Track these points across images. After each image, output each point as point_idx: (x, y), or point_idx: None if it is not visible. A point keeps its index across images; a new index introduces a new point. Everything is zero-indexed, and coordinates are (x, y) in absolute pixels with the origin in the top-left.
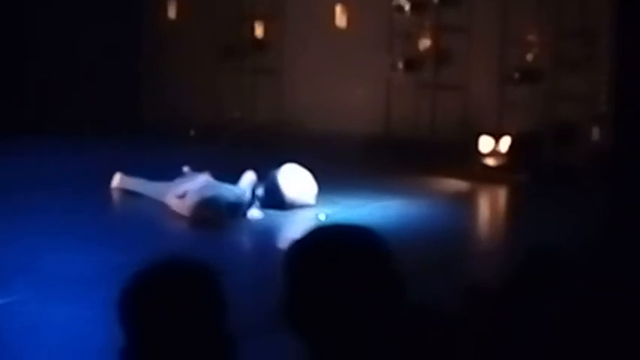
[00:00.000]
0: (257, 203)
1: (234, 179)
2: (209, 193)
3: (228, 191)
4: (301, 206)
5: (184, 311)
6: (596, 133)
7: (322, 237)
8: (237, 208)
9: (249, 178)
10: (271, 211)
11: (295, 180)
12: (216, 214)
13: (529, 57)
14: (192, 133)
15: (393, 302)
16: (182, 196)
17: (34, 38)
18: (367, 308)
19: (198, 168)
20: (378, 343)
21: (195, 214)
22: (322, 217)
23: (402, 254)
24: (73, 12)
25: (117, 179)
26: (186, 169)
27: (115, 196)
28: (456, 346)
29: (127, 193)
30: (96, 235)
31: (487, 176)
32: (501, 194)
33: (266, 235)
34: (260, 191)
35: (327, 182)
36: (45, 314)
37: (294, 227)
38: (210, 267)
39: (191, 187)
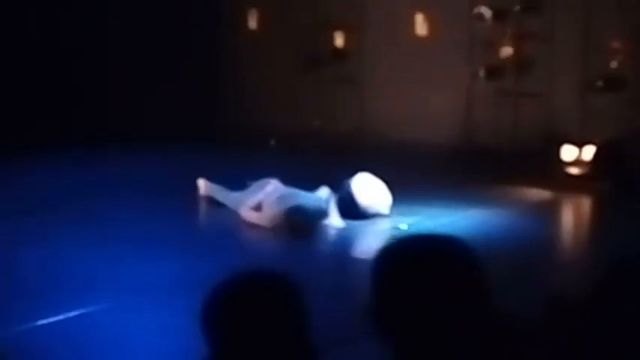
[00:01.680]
0: (337, 211)
1: (314, 188)
2: (291, 202)
3: (307, 199)
4: (375, 216)
5: (267, 321)
6: None
7: (410, 245)
8: (321, 216)
9: (324, 191)
10: (347, 221)
11: (369, 189)
12: (302, 223)
13: (613, 64)
14: (272, 142)
15: (478, 311)
16: (257, 208)
17: (115, 48)
18: (453, 316)
19: (279, 177)
20: (463, 351)
21: (279, 223)
22: (404, 227)
23: (485, 263)
24: (152, 21)
25: (201, 186)
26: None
27: (198, 203)
28: (538, 355)
29: (209, 200)
30: (179, 243)
31: (570, 185)
32: (585, 203)
33: (346, 243)
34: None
35: (408, 191)
36: (127, 323)
37: (373, 236)
38: (293, 276)
39: (265, 198)
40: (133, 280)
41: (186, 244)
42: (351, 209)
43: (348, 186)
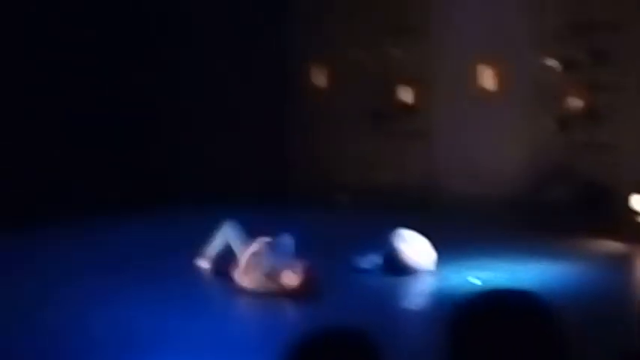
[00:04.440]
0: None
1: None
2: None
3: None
4: (422, 272)
5: None
6: None
7: (484, 301)
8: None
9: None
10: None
11: (414, 244)
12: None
13: None
14: (342, 198)
15: None
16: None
17: (187, 107)
18: None
19: (347, 233)
20: None
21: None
22: (477, 282)
23: (560, 317)
24: (223, 75)
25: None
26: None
27: None
28: None
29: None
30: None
31: None
32: None
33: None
34: (378, 258)
35: (480, 246)
36: None
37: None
38: (368, 333)
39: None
40: (207, 337)
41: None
42: (397, 265)
43: (393, 243)
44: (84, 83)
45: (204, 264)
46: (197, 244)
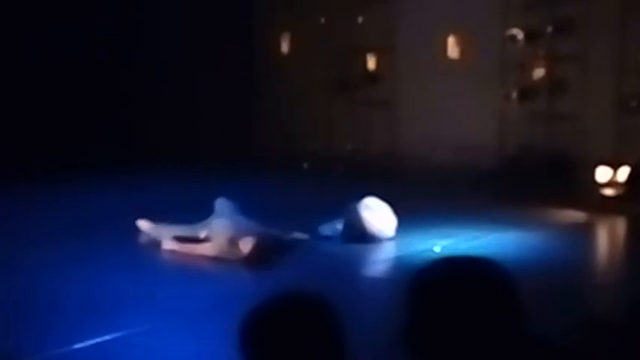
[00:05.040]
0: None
1: (339, 211)
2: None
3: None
4: (382, 239)
5: (304, 342)
6: None
7: (443, 268)
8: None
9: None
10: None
11: (375, 213)
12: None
13: None
14: (305, 165)
15: (512, 334)
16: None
17: (147, 73)
18: (487, 339)
19: (310, 200)
20: None
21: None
22: (438, 249)
23: (520, 285)
24: (187, 47)
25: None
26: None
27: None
28: None
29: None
30: (211, 267)
31: (605, 207)
32: (619, 225)
33: (361, 264)
34: (340, 225)
35: (441, 214)
36: (164, 346)
37: (383, 258)
38: (327, 298)
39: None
40: (171, 303)
41: (222, 267)
42: (357, 232)
43: (355, 210)
44: (58, 47)
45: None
46: (159, 209)
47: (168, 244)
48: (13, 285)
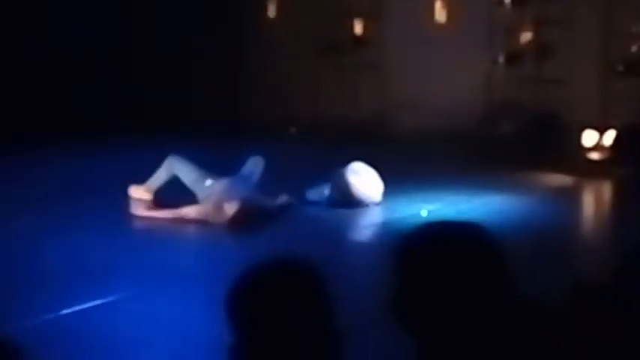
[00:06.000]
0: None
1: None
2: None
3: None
4: (369, 204)
5: (292, 308)
6: None
7: (430, 232)
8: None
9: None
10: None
11: (362, 178)
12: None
13: (633, 48)
14: (292, 130)
15: (500, 298)
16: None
17: (135, 37)
18: (475, 303)
19: (297, 165)
20: (485, 338)
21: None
22: (424, 214)
23: (506, 249)
24: (172, 12)
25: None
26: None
27: None
28: (561, 341)
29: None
30: (202, 231)
31: (591, 171)
32: (606, 189)
33: (349, 229)
34: (327, 190)
35: (429, 178)
36: (151, 312)
37: (370, 223)
38: (315, 263)
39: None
40: (159, 268)
41: (209, 232)
42: (344, 198)
43: (342, 175)
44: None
45: (143, 194)
46: (146, 175)
47: (151, 210)
48: None
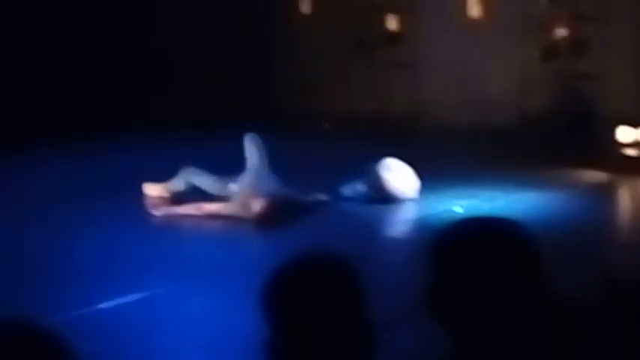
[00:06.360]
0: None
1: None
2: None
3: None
4: (403, 200)
5: (327, 302)
6: None
7: (465, 228)
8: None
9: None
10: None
11: (396, 173)
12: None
13: None
14: (326, 126)
15: (535, 295)
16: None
17: (168, 36)
18: (510, 300)
19: (331, 160)
20: (520, 335)
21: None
22: (459, 210)
23: (542, 246)
24: (205, 6)
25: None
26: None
27: None
28: (596, 338)
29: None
30: (227, 229)
31: (626, 167)
32: None
33: (388, 226)
34: (361, 186)
35: (463, 174)
36: (187, 306)
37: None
38: (352, 259)
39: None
40: (196, 263)
41: (238, 228)
42: (378, 194)
43: (376, 171)
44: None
45: (161, 192)
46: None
47: (180, 207)
48: (35, 246)
